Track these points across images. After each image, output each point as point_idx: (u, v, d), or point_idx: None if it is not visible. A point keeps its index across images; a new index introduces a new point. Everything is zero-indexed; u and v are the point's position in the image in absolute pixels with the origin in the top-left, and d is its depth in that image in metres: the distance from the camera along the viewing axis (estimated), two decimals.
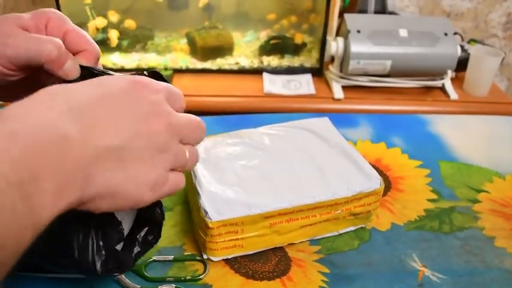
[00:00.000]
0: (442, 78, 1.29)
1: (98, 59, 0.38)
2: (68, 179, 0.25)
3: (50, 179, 0.24)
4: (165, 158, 0.31)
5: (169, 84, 0.34)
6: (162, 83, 0.33)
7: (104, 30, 1.35)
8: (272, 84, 1.33)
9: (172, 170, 0.32)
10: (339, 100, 1.27)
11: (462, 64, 1.29)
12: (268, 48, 1.42)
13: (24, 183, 0.23)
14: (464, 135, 0.67)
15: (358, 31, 1.24)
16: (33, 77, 0.37)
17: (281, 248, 0.47)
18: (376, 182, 0.46)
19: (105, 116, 0.28)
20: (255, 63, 1.41)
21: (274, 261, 0.45)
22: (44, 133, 0.25)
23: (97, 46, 0.38)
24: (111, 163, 0.28)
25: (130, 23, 1.38)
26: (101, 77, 0.32)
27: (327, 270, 0.44)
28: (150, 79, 0.33)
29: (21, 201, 0.22)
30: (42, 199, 0.24)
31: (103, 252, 0.33)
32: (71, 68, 0.35)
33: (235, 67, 1.40)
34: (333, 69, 1.31)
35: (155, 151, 0.30)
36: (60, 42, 0.35)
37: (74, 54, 0.36)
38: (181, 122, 0.32)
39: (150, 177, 0.30)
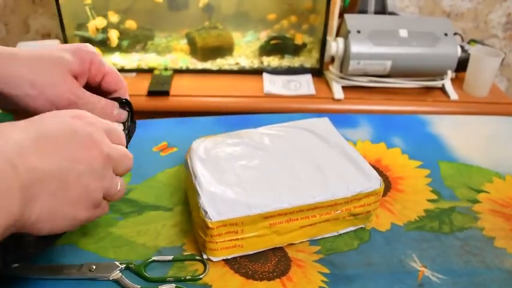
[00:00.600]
0: (442, 79, 1.29)
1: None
2: (8, 201, 0.28)
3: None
4: (102, 184, 0.35)
5: (112, 124, 0.38)
6: (102, 120, 0.37)
7: (104, 30, 1.35)
8: (272, 84, 1.33)
9: (103, 197, 0.36)
10: (339, 100, 1.27)
11: (462, 64, 1.29)
12: (268, 48, 1.42)
13: None
14: (464, 136, 0.67)
15: (358, 31, 1.24)
16: None
17: (281, 248, 0.47)
18: (376, 183, 0.47)
19: (45, 145, 0.31)
20: (255, 64, 1.41)
21: (274, 261, 0.45)
22: None
23: (124, 81, 0.46)
24: (53, 186, 0.31)
25: (130, 24, 1.38)
26: (42, 114, 0.35)
27: (326, 271, 0.44)
28: (87, 113, 0.36)
29: None
30: None
31: None
32: (119, 116, 0.44)
33: (235, 67, 1.40)
34: (333, 70, 1.31)
35: (93, 177, 0.34)
36: (104, 101, 0.43)
37: (112, 92, 0.45)
38: (113, 151, 0.36)
39: (87, 201, 0.34)
